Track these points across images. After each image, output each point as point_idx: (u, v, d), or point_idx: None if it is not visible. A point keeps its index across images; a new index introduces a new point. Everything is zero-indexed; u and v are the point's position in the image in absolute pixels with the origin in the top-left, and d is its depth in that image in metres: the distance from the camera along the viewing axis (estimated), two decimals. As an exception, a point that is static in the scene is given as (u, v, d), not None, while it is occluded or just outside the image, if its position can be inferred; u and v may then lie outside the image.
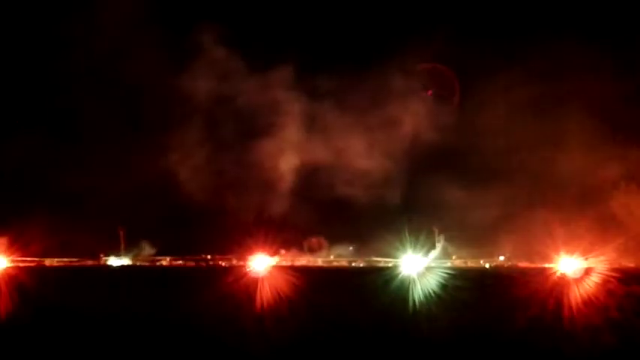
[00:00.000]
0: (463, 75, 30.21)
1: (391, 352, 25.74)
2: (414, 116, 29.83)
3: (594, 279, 25.10)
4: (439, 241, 28.49)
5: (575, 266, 25.58)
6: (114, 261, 30.09)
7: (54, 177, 29.54)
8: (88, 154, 30.36)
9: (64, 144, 29.86)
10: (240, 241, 28.33)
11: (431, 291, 26.23)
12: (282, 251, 29.40)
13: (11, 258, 28.56)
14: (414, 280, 26.61)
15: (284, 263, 28.83)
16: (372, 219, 29.33)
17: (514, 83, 28.41)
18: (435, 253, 28.32)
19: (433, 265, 27.41)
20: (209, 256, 30.05)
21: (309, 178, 30.21)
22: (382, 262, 28.53)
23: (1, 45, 30.02)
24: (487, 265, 28.71)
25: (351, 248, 30.09)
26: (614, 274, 24.89)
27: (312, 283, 26.85)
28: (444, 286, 26.22)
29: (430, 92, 30.01)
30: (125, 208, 29.70)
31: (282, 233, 28.78)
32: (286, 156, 30.33)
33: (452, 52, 29.49)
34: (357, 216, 29.73)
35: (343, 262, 29.72)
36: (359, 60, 29.71)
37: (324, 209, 29.74)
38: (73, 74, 29.62)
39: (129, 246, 30.22)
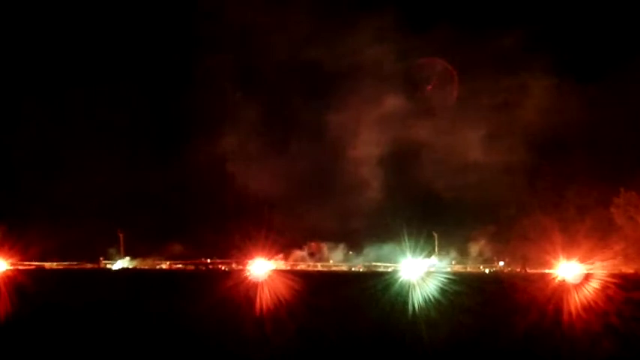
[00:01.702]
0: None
1: (390, 357, 25.75)
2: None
3: (594, 285, 25.10)
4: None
5: (575, 272, 25.62)
6: (113, 264, 30.04)
7: (53, 180, 29.67)
8: (89, 157, 30.39)
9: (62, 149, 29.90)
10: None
11: (430, 296, 26.22)
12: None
13: (11, 261, 28.59)
14: (413, 285, 26.61)
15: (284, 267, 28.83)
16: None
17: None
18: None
19: (433, 270, 27.42)
20: (209, 260, 30.04)
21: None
22: (382, 266, 28.54)
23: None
24: (487, 271, 28.70)
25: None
26: (613, 280, 24.90)
27: (311, 287, 26.86)
28: (443, 291, 26.21)
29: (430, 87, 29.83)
30: (129, 210, 29.74)
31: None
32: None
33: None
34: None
35: (343, 267, 29.67)
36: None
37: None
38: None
39: (128, 249, 30.18)
